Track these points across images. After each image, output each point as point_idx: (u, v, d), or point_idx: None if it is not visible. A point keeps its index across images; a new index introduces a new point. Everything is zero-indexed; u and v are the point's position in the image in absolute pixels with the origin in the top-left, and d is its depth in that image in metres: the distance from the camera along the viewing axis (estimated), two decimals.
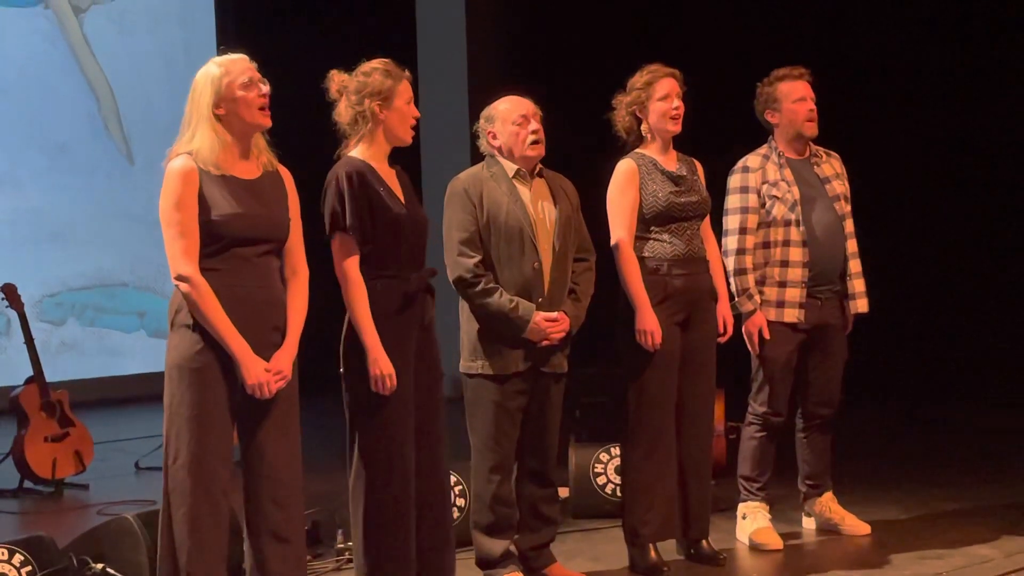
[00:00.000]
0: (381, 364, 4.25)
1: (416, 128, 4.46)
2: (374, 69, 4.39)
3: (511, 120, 4.85)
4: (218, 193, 3.92)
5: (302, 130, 5.51)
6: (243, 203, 3.95)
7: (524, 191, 4.86)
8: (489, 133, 4.91)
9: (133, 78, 10.65)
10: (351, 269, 4.29)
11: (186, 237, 3.89)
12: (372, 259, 4.32)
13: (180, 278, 3.88)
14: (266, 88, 4.01)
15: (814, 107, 5.47)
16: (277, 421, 4.01)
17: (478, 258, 4.77)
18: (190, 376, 3.90)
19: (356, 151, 4.41)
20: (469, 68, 9.99)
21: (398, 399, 4.30)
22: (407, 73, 4.43)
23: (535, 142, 4.83)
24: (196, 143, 3.95)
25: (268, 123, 4.02)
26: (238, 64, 4.01)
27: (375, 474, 4.31)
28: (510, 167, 4.87)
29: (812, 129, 5.48)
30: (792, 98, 5.47)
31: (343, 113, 4.41)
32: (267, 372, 3.93)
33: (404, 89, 4.39)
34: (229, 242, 3.93)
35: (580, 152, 6.45)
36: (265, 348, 3.97)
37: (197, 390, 3.89)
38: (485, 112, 4.95)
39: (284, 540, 4.01)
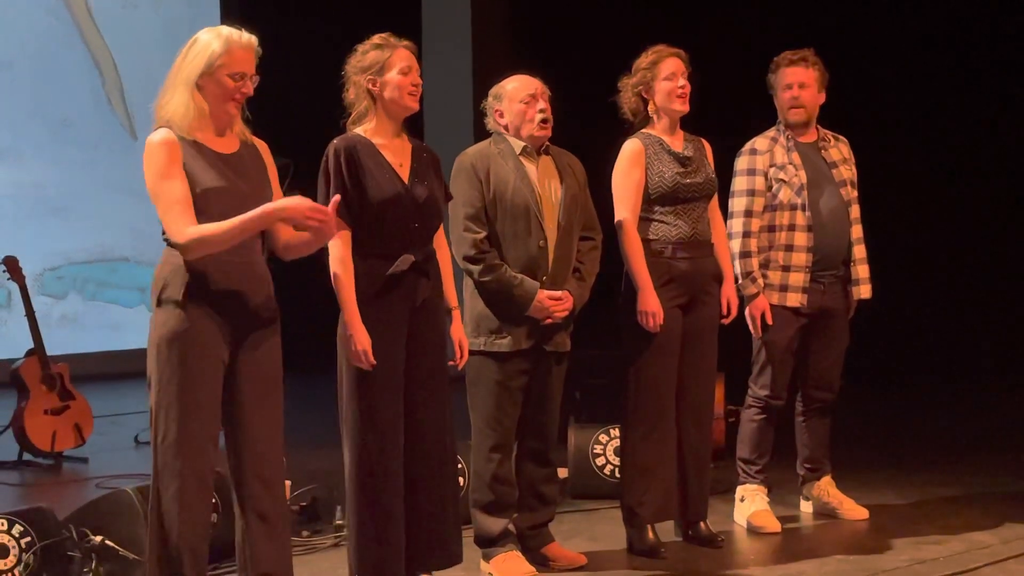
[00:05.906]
0: (356, 339, 4.23)
1: (420, 104, 4.43)
2: (370, 44, 4.38)
3: (519, 99, 4.83)
4: (199, 168, 3.85)
5: (304, 109, 5.50)
6: (225, 178, 3.88)
7: (531, 168, 4.84)
8: (496, 111, 4.89)
9: (137, 53, 10.59)
10: (335, 246, 4.26)
11: (180, 201, 3.79)
12: (360, 237, 4.30)
13: (188, 243, 3.77)
14: (251, 85, 3.90)
15: (799, 94, 5.41)
16: (261, 399, 3.97)
17: (483, 234, 4.75)
18: (179, 353, 3.84)
19: (359, 127, 4.40)
20: (473, 47, 9.97)
21: (381, 378, 4.28)
22: (405, 42, 4.39)
23: (543, 121, 4.81)
24: (171, 108, 3.86)
25: (236, 113, 3.91)
26: (240, 53, 3.89)
27: (358, 451, 4.32)
28: (517, 144, 4.84)
29: (794, 115, 5.43)
30: (782, 85, 5.45)
31: (348, 93, 4.40)
32: None
33: (399, 58, 4.35)
34: (212, 217, 3.82)
35: (586, 134, 6.44)
36: (252, 322, 3.92)
37: (185, 368, 3.84)
38: (493, 90, 4.92)
39: (267, 519, 3.98)
